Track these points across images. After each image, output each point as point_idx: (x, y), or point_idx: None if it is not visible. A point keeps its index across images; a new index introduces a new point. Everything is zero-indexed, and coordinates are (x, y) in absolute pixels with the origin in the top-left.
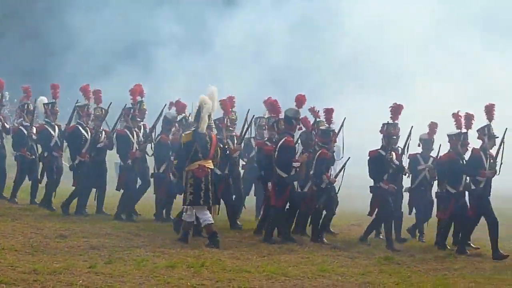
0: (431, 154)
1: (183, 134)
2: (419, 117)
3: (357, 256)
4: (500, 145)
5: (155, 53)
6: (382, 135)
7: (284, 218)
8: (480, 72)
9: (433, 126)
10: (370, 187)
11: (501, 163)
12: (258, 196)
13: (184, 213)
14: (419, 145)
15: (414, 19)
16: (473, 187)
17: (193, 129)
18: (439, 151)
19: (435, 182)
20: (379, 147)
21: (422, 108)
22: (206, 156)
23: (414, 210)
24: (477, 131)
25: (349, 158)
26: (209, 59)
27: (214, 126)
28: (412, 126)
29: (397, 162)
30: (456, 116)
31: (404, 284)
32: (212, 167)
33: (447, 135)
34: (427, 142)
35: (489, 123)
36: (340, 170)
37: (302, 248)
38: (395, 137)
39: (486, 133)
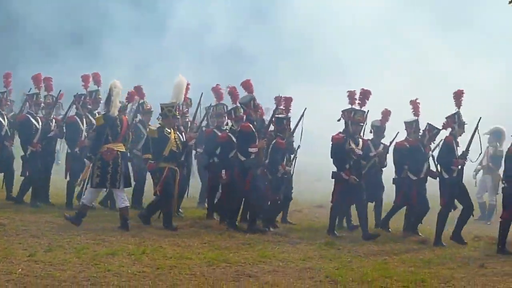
0: (382, 141)
1: (95, 118)
2: (371, 104)
3: (298, 242)
4: (474, 132)
5: (104, 39)
6: (347, 121)
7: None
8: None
9: (386, 113)
10: (333, 172)
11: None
12: (203, 184)
13: (119, 200)
14: (371, 132)
15: (365, 6)
16: (446, 175)
17: (104, 113)
18: (395, 138)
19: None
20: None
21: (374, 95)
22: (116, 139)
23: None
24: (446, 118)
25: (299, 146)
26: (160, 44)
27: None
28: (367, 111)
29: (360, 152)
30: (414, 103)
31: (345, 269)
32: (123, 150)
33: (404, 122)
34: (379, 129)
35: (458, 110)
36: (292, 159)
37: (243, 235)
38: (362, 124)
39: (456, 121)
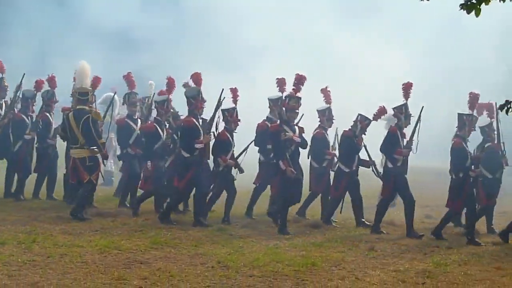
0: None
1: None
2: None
3: (191, 228)
4: (417, 123)
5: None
6: (283, 109)
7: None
8: (332, 49)
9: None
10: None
11: (418, 142)
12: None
13: None
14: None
15: None
16: (390, 165)
17: None
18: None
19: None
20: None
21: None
22: None
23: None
24: (393, 109)
25: (253, 141)
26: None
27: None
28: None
29: (298, 139)
30: (324, 91)
31: (236, 254)
32: None
33: (317, 110)
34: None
35: (405, 102)
36: (241, 153)
37: (135, 222)
38: (297, 111)
39: (403, 112)
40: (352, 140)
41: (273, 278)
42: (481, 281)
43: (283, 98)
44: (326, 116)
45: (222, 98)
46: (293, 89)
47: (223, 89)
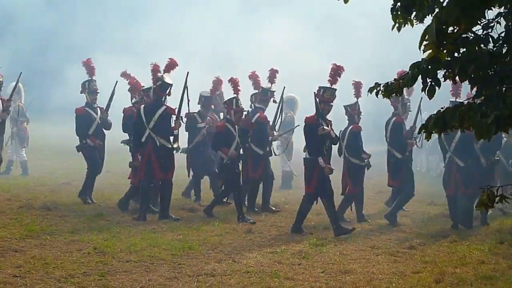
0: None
1: None
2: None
3: (67, 215)
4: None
5: None
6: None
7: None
8: None
9: (217, 83)
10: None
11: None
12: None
13: None
14: (199, 103)
15: None
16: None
17: None
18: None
19: None
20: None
21: None
22: None
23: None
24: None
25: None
26: None
27: None
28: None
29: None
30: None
31: (113, 239)
32: None
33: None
34: (207, 99)
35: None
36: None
37: (10, 209)
38: (331, 104)
39: (399, 101)
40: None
41: (149, 263)
42: (357, 260)
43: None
44: (356, 111)
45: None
46: (329, 80)
47: (188, 72)
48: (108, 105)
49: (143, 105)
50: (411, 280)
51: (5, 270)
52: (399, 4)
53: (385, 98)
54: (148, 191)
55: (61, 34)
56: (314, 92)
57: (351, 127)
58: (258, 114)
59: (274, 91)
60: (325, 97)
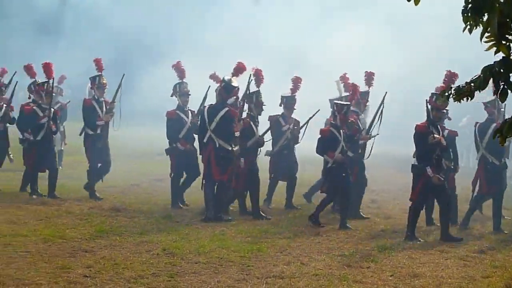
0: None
1: None
2: None
3: (136, 216)
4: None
5: None
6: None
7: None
8: None
9: (297, 81)
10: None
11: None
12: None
13: None
14: (280, 105)
15: None
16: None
17: None
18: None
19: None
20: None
21: None
22: None
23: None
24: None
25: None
26: None
27: None
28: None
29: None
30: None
31: (182, 241)
32: None
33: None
34: (289, 99)
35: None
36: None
37: (81, 210)
38: (444, 111)
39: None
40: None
41: (218, 265)
42: (426, 263)
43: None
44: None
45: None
46: (441, 86)
47: (251, 73)
48: (200, 109)
49: (207, 107)
50: (481, 285)
51: (75, 270)
52: (470, 5)
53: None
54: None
55: (140, 35)
56: (426, 99)
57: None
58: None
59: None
60: (437, 103)
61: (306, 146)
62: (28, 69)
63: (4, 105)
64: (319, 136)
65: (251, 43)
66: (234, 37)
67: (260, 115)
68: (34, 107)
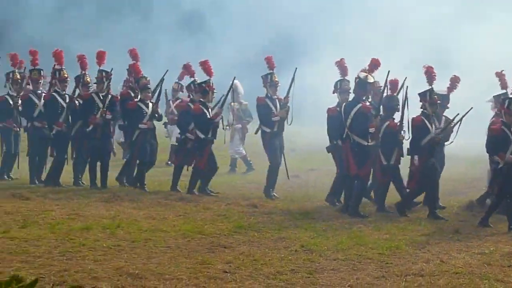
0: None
1: None
2: None
3: (273, 212)
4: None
5: None
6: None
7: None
8: None
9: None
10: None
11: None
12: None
13: None
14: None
15: None
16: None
17: None
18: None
19: None
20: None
21: None
22: None
23: None
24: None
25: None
26: None
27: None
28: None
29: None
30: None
31: (320, 237)
32: None
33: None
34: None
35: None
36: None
37: (218, 206)
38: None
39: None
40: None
41: (357, 261)
42: None
43: None
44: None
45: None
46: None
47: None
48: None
49: (344, 104)
50: None
51: (215, 266)
52: None
53: None
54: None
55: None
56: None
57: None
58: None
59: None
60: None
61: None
62: (187, 68)
63: (150, 103)
64: (490, 134)
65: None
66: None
67: (435, 113)
68: (201, 107)
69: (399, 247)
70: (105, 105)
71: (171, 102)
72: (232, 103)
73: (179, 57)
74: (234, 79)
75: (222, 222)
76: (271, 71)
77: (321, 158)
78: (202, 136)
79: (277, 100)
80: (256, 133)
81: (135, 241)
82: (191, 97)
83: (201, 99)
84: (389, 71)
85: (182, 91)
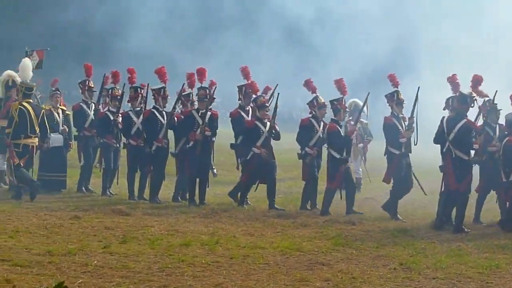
0: None
1: None
2: None
3: (371, 229)
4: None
5: None
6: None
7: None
8: None
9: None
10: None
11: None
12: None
13: None
14: None
15: None
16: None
17: None
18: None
19: None
20: None
21: None
22: None
23: None
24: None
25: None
26: None
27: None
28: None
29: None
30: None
31: (419, 256)
32: None
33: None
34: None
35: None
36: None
37: (316, 223)
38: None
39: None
40: None
41: (456, 280)
42: None
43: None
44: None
45: None
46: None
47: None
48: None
49: (445, 117)
50: None
51: (313, 283)
52: None
53: None
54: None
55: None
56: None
57: None
58: None
59: None
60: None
61: None
62: (308, 84)
63: (268, 121)
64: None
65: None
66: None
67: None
68: (335, 125)
69: (499, 266)
70: (204, 122)
71: None
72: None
73: (281, 71)
74: (368, 95)
75: (319, 239)
76: (396, 88)
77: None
78: (337, 156)
79: (402, 119)
80: (385, 154)
81: (233, 258)
82: (314, 113)
83: (333, 117)
84: (496, 91)
85: None
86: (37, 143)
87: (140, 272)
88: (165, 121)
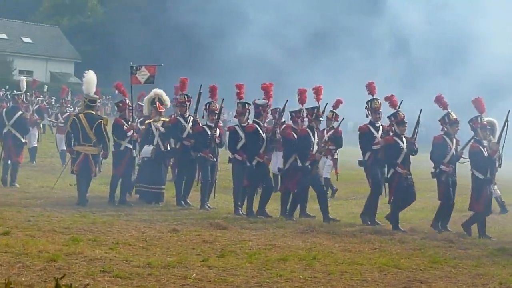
0: None
1: None
2: None
3: (470, 248)
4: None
5: None
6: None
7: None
8: None
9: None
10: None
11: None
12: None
13: None
14: None
15: None
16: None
17: None
18: None
19: None
20: None
21: None
22: None
23: None
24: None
25: None
26: None
27: None
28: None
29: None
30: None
31: None
32: None
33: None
34: None
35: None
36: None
37: (413, 240)
38: None
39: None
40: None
41: None
42: None
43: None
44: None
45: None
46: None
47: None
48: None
49: None
50: None
51: None
52: None
53: None
54: None
55: None
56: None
57: None
58: None
59: None
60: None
61: None
62: (439, 100)
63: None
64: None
65: None
66: None
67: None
68: (478, 145)
69: None
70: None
71: None
72: None
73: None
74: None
75: (417, 256)
76: (480, 114)
77: None
78: (481, 176)
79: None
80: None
81: (331, 274)
82: (446, 130)
83: (475, 137)
84: None
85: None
86: (94, 151)
87: (239, 286)
88: (265, 137)
